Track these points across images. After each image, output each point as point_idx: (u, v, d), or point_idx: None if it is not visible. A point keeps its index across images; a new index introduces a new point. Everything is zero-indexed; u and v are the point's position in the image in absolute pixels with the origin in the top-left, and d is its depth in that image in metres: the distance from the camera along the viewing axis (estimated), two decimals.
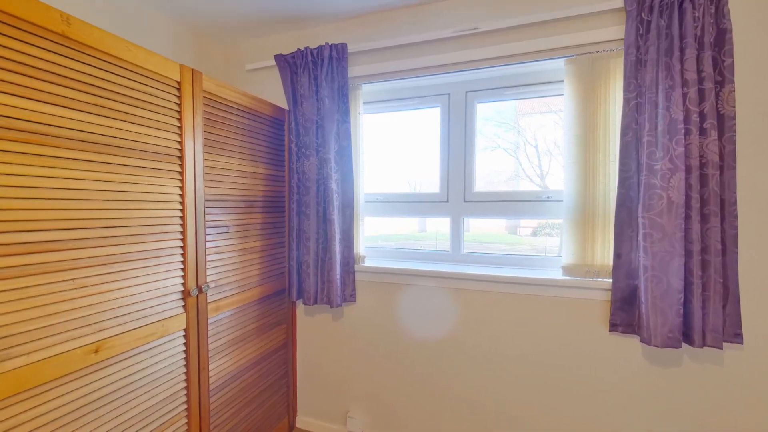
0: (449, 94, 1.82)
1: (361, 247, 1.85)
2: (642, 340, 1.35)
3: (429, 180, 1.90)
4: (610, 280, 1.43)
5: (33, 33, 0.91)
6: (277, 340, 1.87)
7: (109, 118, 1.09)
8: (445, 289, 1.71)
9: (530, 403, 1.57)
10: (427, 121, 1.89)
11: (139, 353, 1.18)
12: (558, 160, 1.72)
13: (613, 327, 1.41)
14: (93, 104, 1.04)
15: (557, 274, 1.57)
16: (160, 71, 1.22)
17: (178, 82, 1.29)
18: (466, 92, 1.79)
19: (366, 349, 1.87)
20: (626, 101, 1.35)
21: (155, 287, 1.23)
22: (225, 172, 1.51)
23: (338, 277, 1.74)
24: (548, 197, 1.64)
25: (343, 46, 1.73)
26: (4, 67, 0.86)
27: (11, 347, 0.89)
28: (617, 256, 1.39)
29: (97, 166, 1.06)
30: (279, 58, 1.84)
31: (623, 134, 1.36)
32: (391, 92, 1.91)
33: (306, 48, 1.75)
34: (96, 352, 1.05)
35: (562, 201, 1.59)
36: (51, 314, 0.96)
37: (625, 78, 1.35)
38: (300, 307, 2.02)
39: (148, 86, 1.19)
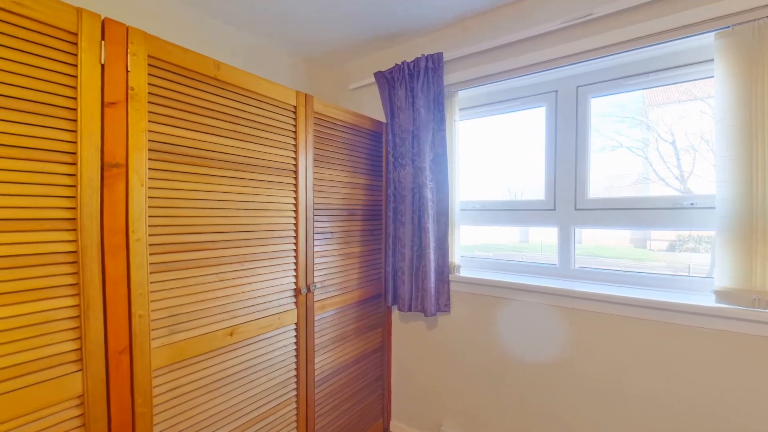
0: (556, 91, 1.66)
1: (456, 256, 1.80)
2: None
3: (532, 186, 1.75)
4: None
5: (192, 78, 1.16)
6: (373, 343, 1.96)
7: (242, 140, 1.31)
8: (551, 307, 1.54)
9: None
10: (530, 123, 1.75)
11: (261, 340, 1.37)
12: (706, 158, 1.39)
13: None
14: (231, 130, 1.27)
15: (708, 300, 1.25)
16: (281, 98, 1.43)
17: (294, 106, 1.48)
18: (577, 87, 1.60)
19: (461, 361, 1.80)
20: None
21: (274, 284, 1.42)
22: (330, 183, 1.66)
23: (432, 285, 1.73)
24: (692, 204, 1.34)
25: (439, 55, 1.74)
26: (171, 105, 1.11)
27: (177, 324, 1.13)
28: None
29: (234, 181, 1.28)
30: (378, 75, 1.95)
31: None
32: (489, 96, 1.84)
33: (403, 62, 1.82)
34: (231, 335, 1.27)
35: (713, 208, 1.28)
36: (201, 300, 1.19)
37: None
38: (395, 313, 2.07)
39: (271, 112, 1.40)
